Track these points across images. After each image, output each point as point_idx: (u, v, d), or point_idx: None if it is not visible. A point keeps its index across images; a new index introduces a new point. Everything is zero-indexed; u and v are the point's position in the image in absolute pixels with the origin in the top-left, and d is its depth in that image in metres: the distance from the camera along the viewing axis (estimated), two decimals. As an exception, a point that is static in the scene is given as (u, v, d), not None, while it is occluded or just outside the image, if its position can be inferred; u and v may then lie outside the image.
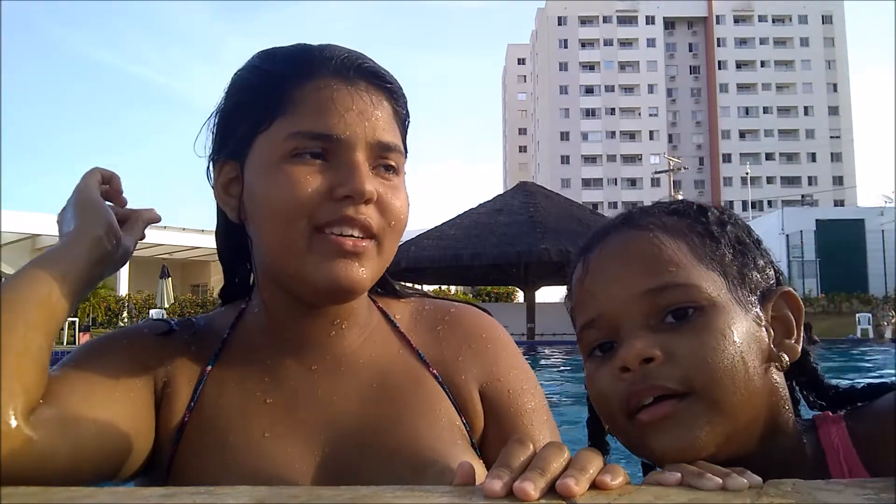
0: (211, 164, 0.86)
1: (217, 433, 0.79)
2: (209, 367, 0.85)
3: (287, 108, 0.78)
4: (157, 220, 0.90)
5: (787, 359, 0.73)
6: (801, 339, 0.75)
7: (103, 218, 0.80)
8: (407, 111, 0.86)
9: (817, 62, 79.84)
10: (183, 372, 0.84)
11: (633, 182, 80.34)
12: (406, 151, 0.85)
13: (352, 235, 0.76)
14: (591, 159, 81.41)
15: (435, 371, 0.88)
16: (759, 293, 0.75)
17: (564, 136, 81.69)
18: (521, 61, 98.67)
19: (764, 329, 0.73)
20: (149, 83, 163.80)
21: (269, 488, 0.52)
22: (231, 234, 0.88)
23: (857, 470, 0.67)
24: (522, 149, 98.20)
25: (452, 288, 23.43)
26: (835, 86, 79.17)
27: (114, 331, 0.89)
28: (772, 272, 0.78)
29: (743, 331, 0.70)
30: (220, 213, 0.88)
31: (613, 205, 76.99)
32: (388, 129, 0.80)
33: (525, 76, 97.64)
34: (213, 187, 0.86)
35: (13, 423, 0.63)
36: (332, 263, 0.75)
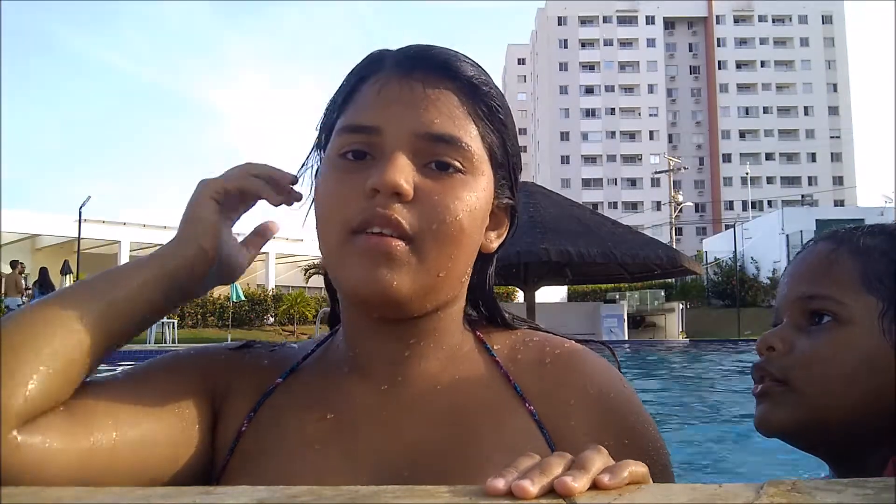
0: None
1: (268, 444, 0.74)
2: (279, 380, 0.79)
3: (347, 107, 0.75)
4: (276, 230, 0.85)
5: None
6: None
7: (200, 232, 0.74)
8: (491, 108, 0.76)
9: (817, 62, 79.79)
10: (250, 383, 0.79)
11: (633, 182, 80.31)
12: (505, 161, 0.78)
13: (381, 234, 0.68)
14: (591, 159, 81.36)
15: (532, 408, 0.75)
16: None
17: (564, 136, 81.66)
18: (521, 61, 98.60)
19: None
20: (149, 83, 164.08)
21: (268, 488, 0.51)
22: None
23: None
24: (522, 149, 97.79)
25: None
26: (835, 86, 79.14)
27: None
28: None
29: (869, 353, 0.78)
30: None
31: (613, 205, 77.04)
32: (445, 121, 0.72)
33: (525, 76, 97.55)
34: None
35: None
36: (359, 264, 0.68)
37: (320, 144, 0.79)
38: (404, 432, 0.73)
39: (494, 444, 0.72)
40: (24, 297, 15.19)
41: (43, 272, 16.61)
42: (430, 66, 0.73)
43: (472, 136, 0.73)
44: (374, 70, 0.75)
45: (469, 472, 0.68)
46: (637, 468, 0.51)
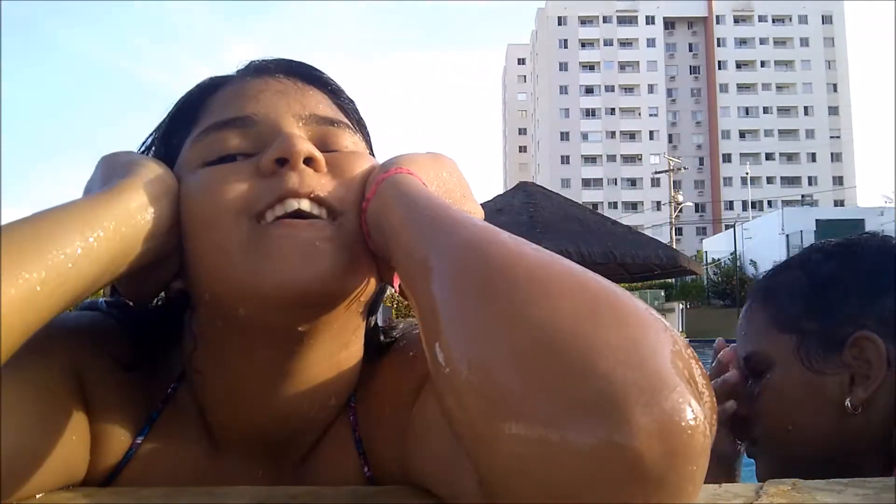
0: None
1: None
2: (138, 441, 0.60)
3: (201, 117, 0.61)
4: None
5: (850, 406, 0.76)
6: (875, 382, 0.74)
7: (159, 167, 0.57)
8: (359, 115, 0.67)
9: (817, 62, 79.77)
10: (110, 438, 0.59)
11: (633, 182, 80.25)
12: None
13: (302, 215, 0.54)
14: (591, 159, 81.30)
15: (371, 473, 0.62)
16: (837, 340, 0.78)
17: (564, 136, 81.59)
18: (521, 61, 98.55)
19: (835, 377, 0.77)
20: (150, 83, 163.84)
21: (268, 488, 0.50)
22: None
23: None
24: (522, 149, 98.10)
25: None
26: (835, 86, 79.11)
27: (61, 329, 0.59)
28: (881, 306, 0.77)
29: (801, 385, 0.79)
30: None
31: (613, 205, 77.03)
32: (327, 108, 0.62)
33: (525, 76, 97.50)
34: None
35: None
36: (281, 254, 0.52)
37: None
38: None
39: None
40: None
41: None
42: (290, 70, 0.63)
43: (354, 128, 0.64)
44: (223, 81, 0.64)
45: None
46: None
